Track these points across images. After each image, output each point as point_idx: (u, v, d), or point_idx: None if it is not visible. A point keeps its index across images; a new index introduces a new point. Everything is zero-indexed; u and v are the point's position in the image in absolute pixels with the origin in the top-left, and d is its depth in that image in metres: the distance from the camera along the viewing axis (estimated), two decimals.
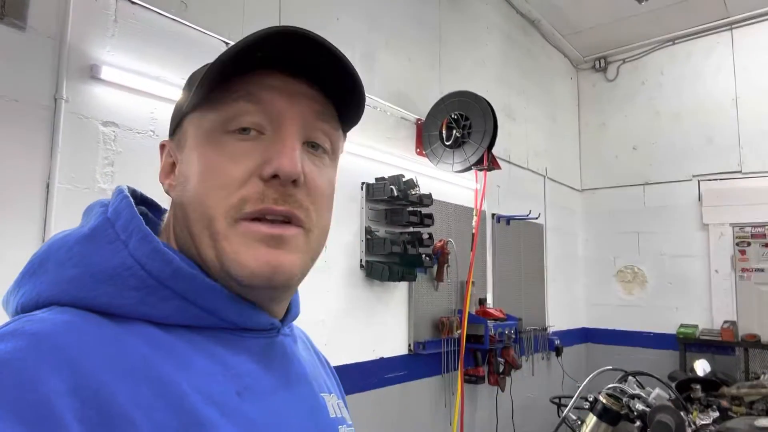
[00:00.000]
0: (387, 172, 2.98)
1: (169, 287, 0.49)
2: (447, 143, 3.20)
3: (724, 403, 2.78)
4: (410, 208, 3.00)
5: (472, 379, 3.55)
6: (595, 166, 5.65)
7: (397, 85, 3.30)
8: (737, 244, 4.72)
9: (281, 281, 0.52)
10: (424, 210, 3.06)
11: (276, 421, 0.53)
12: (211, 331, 0.52)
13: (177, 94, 2.04)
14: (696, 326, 4.79)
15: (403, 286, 3.18)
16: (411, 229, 3.09)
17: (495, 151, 3.24)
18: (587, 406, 1.45)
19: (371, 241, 2.89)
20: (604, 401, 1.39)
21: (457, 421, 3.21)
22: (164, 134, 2.03)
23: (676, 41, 5.19)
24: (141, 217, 0.51)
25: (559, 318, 4.93)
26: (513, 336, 3.59)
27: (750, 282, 4.63)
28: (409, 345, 3.19)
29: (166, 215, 0.60)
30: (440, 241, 3.27)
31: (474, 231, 3.23)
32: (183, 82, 2.06)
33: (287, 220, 0.53)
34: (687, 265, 4.97)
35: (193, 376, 0.47)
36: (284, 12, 2.60)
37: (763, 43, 4.75)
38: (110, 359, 0.43)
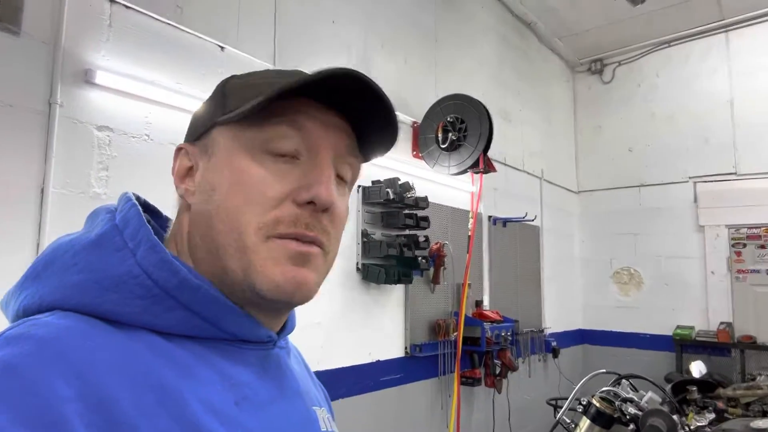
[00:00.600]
0: (383, 175, 2.99)
1: (174, 297, 0.49)
2: (443, 146, 3.21)
3: (720, 404, 2.79)
4: (406, 211, 3.00)
5: (468, 381, 3.55)
6: (591, 168, 5.67)
7: (393, 88, 3.30)
8: (733, 246, 4.74)
9: (301, 297, 0.55)
10: (420, 213, 3.07)
11: (272, 431, 0.54)
12: (211, 342, 0.52)
13: (172, 98, 2.05)
14: (692, 328, 4.80)
15: (399, 288, 3.18)
16: (407, 232, 3.10)
17: (491, 153, 3.25)
18: (580, 410, 1.45)
19: (367, 244, 2.89)
20: (597, 404, 1.40)
21: (454, 423, 3.21)
22: (159, 138, 2.04)
23: (672, 43, 5.22)
24: (149, 227, 0.51)
25: (555, 320, 4.94)
26: (509, 338, 3.60)
27: (746, 283, 4.65)
28: (406, 347, 3.20)
29: (173, 222, 0.60)
30: (436, 243, 3.27)
31: (470, 233, 3.23)
32: (178, 86, 2.05)
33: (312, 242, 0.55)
34: (683, 267, 4.98)
35: (194, 385, 0.48)
36: (280, 16, 2.60)
37: (758, 45, 4.77)
38: (115, 366, 0.43)
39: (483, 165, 3.09)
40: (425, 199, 3.03)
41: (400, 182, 2.95)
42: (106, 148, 1.92)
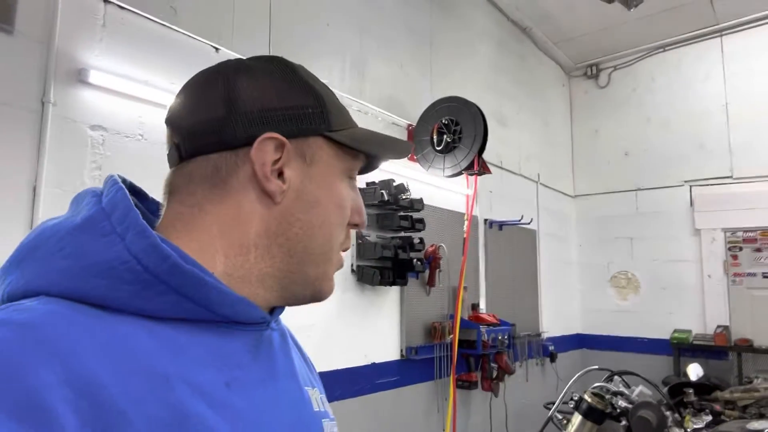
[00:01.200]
0: (378, 177, 2.99)
1: (165, 282, 0.48)
2: (438, 148, 3.21)
3: (717, 407, 2.78)
4: (401, 213, 3.01)
5: (465, 384, 3.53)
6: (588, 172, 5.68)
7: (388, 91, 3.31)
8: (729, 249, 4.74)
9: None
10: (415, 215, 3.07)
11: (263, 412, 0.54)
12: (202, 324, 0.52)
13: (165, 98, 2.06)
14: (689, 331, 4.80)
15: (394, 290, 3.18)
16: (402, 234, 3.10)
17: (487, 156, 3.25)
18: (572, 406, 1.45)
19: (362, 246, 2.89)
20: (588, 400, 1.39)
21: (450, 426, 3.20)
22: (153, 138, 2.05)
23: (667, 48, 5.25)
24: (137, 211, 0.50)
25: (553, 324, 4.93)
26: (506, 341, 3.59)
27: (742, 287, 4.65)
28: (401, 350, 3.19)
29: (213, 203, 0.56)
30: (432, 245, 3.27)
31: (465, 236, 3.23)
32: (172, 87, 2.05)
33: None
34: (680, 271, 4.98)
35: (183, 367, 0.47)
36: (274, 18, 2.61)
37: (752, 49, 4.80)
38: (101, 351, 0.43)
39: (478, 167, 3.09)
40: (420, 201, 3.04)
41: (395, 184, 2.95)
42: (100, 147, 1.92)
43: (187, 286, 0.49)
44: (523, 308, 4.54)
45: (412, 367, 3.23)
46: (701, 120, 5.00)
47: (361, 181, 2.96)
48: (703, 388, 3.02)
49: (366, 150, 0.63)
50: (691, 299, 4.89)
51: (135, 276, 0.47)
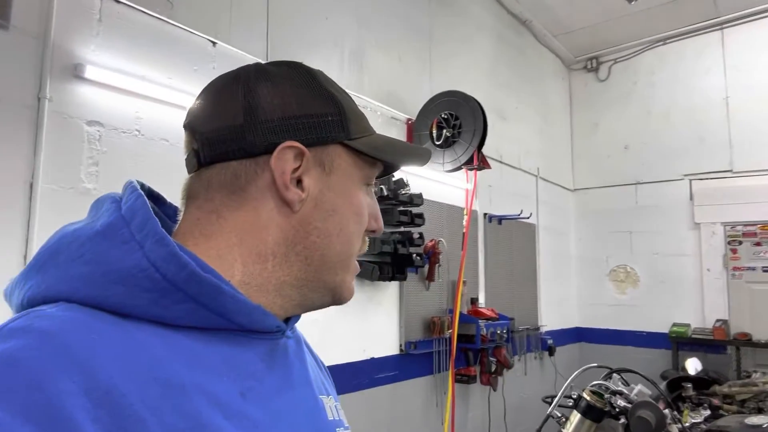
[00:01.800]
0: None
1: (182, 290, 0.48)
2: (437, 143, 3.20)
3: (716, 401, 2.79)
4: (401, 208, 3.00)
5: (463, 378, 3.54)
6: (588, 166, 5.67)
7: (387, 85, 3.30)
8: (729, 243, 4.74)
9: None
10: (415, 209, 3.06)
11: (278, 422, 0.54)
12: (219, 333, 0.52)
13: (163, 93, 2.04)
14: (688, 325, 4.80)
15: (394, 285, 3.18)
16: (402, 229, 3.09)
17: (486, 151, 3.24)
18: (571, 404, 1.45)
19: None
20: (587, 398, 1.39)
21: (449, 420, 3.21)
22: (150, 134, 2.03)
23: (667, 41, 5.22)
24: (156, 219, 0.50)
25: (551, 318, 4.94)
26: (505, 335, 3.59)
27: (741, 281, 4.65)
28: (401, 345, 3.19)
29: (232, 211, 0.56)
30: (431, 240, 3.27)
31: (464, 230, 3.23)
32: (169, 82, 2.03)
33: None
34: (679, 264, 4.98)
35: (200, 376, 0.48)
36: (272, 11, 2.59)
37: (753, 42, 4.78)
38: (120, 359, 0.43)
39: (477, 161, 3.09)
40: (420, 195, 3.03)
41: (394, 179, 2.94)
42: (97, 143, 1.91)
43: (204, 295, 0.50)
44: (522, 302, 4.55)
45: (411, 362, 3.24)
46: (701, 114, 4.98)
47: None
48: (701, 382, 3.03)
49: (386, 159, 0.63)
50: (690, 293, 4.90)
51: (154, 284, 0.48)
